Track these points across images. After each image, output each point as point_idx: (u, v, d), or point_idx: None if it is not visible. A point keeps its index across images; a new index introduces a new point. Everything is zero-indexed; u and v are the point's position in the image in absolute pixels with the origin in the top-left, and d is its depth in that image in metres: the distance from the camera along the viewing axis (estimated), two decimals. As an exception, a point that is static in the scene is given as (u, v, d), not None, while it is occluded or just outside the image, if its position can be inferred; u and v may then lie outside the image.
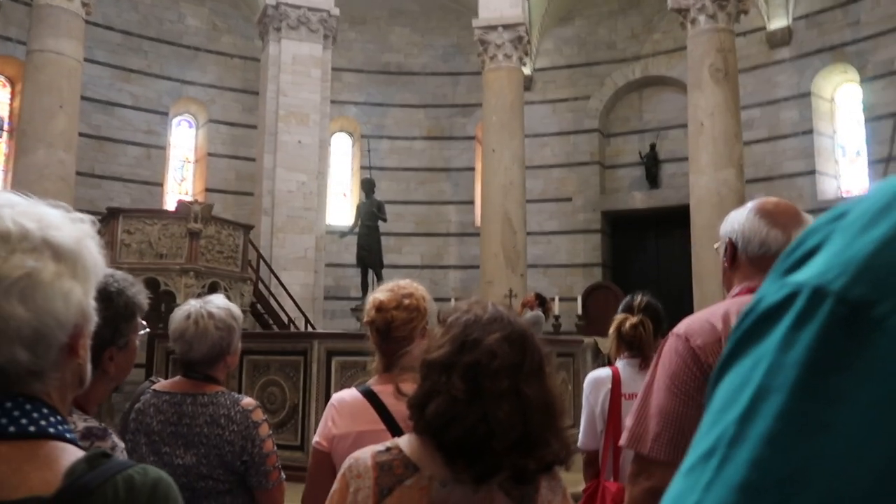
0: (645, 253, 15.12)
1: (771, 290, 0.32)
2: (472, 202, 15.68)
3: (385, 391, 1.79)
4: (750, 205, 1.73)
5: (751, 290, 1.55)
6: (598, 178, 15.34)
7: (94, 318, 0.91)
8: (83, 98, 11.23)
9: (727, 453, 0.30)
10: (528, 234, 12.82)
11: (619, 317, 2.62)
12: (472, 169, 15.79)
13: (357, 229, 11.24)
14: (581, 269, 14.98)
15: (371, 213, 11.08)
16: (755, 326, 0.32)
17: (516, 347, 1.25)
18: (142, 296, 1.58)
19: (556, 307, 10.06)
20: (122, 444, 1.45)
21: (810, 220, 1.61)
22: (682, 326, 1.50)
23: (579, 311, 11.05)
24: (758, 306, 0.32)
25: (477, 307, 1.33)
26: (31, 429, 0.80)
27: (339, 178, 15.93)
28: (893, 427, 0.27)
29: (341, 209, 15.32)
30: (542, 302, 9.39)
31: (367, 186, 11.41)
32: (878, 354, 0.28)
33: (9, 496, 0.75)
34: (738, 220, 1.70)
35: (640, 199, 14.96)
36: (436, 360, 1.29)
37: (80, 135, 11.14)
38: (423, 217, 15.81)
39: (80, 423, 1.42)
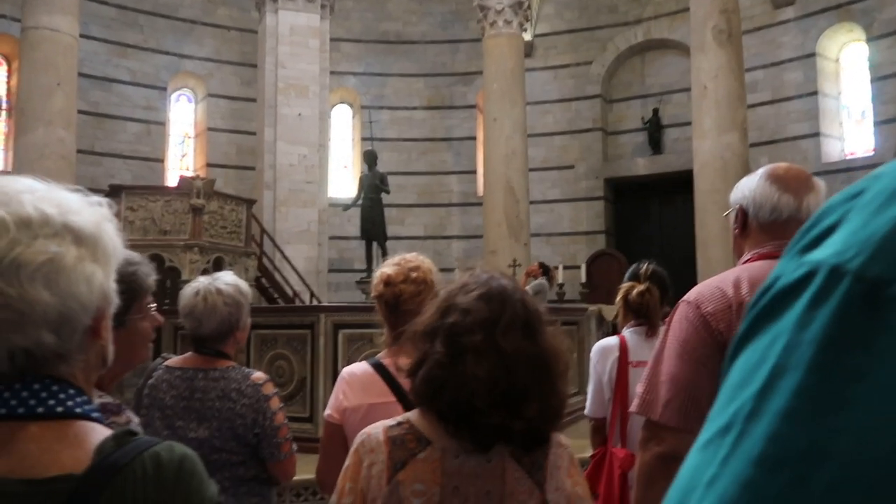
0: (648, 219, 15.09)
1: (788, 268, 0.32)
2: (474, 172, 15.62)
3: (394, 364, 1.81)
4: (761, 171, 1.73)
5: (762, 257, 1.55)
6: (600, 145, 15.24)
7: (115, 301, 0.92)
8: (80, 75, 11.12)
9: (744, 428, 0.30)
10: (531, 202, 12.79)
11: (625, 285, 2.63)
12: (474, 138, 15.69)
13: (360, 202, 11.22)
14: (584, 237, 14.97)
15: (374, 185, 11.04)
16: (772, 304, 0.32)
17: (494, 303, 1.26)
18: (142, 276, 1.54)
19: (560, 275, 10.08)
20: (136, 419, 1.48)
21: (821, 186, 1.61)
22: (693, 293, 1.51)
23: (583, 279, 11.08)
24: (775, 284, 0.32)
25: (467, 275, 1.35)
26: (59, 409, 0.81)
27: (340, 150, 15.87)
28: None
29: (343, 181, 15.28)
30: (545, 271, 9.42)
31: (370, 158, 11.35)
32: (895, 332, 0.28)
33: (41, 474, 0.77)
34: (749, 186, 1.70)
35: (642, 165, 14.88)
36: (421, 329, 1.31)
37: (79, 112, 11.07)
38: (426, 188, 15.76)
39: (95, 398, 1.45)
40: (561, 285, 10.13)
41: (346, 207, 11.52)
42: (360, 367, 1.98)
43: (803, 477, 0.28)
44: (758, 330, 0.32)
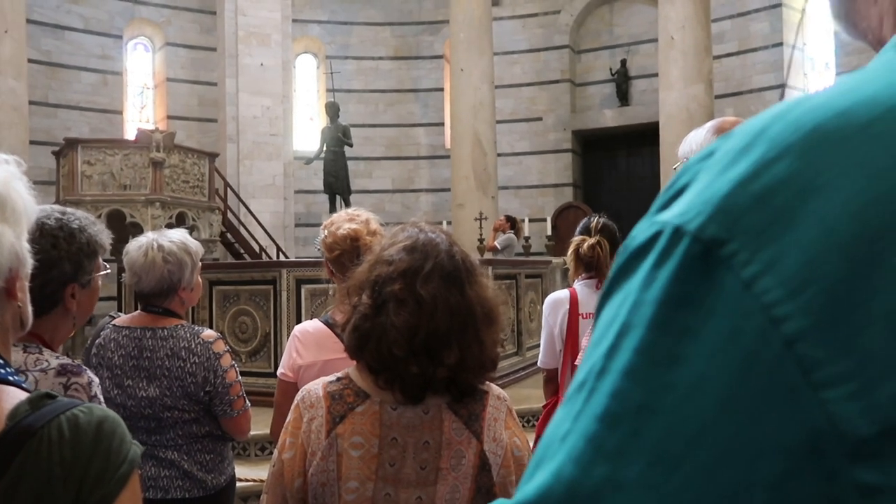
0: (616, 171, 15.17)
1: (642, 227, 0.33)
2: (442, 124, 15.46)
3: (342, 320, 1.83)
4: (709, 124, 1.74)
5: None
6: (568, 97, 15.16)
7: (29, 261, 0.90)
8: (29, 21, 10.63)
9: (594, 385, 0.32)
10: (499, 155, 12.73)
11: (576, 239, 2.67)
12: (442, 89, 15.48)
13: (322, 155, 11.05)
14: (552, 190, 15.02)
15: (336, 137, 10.86)
16: (627, 263, 0.33)
17: (417, 254, 1.27)
18: (104, 235, 1.56)
19: (527, 228, 10.13)
20: (97, 380, 1.48)
21: None
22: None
23: (549, 232, 11.15)
24: (630, 243, 0.34)
25: (399, 228, 1.36)
26: None
27: (305, 102, 15.55)
28: (733, 360, 0.28)
29: (309, 133, 15.03)
30: (513, 224, 9.46)
31: (332, 110, 11.13)
32: (723, 291, 0.29)
33: None
34: (697, 140, 1.72)
35: (610, 117, 14.87)
36: (352, 283, 1.33)
37: (30, 61, 10.62)
38: (393, 140, 15.59)
39: (52, 360, 1.44)
40: (527, 238, 10.19)
41: (308, 161, 11.36)
42: (313, 325, 2.00)
43: (637, 430, 0.29)
44: (615, 287, 0.34)
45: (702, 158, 0.34)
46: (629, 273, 0.33)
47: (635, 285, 0.32)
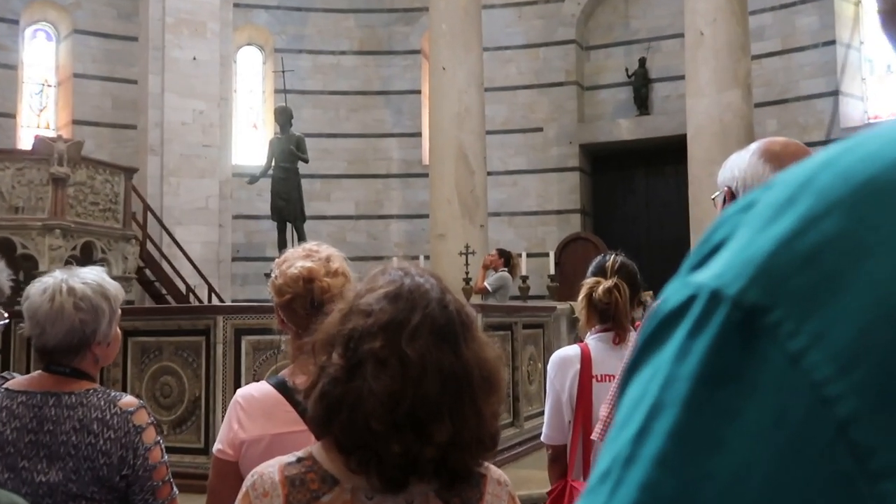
0: (633, 195, 15.37)
1: (673, 289, 0.36)
2: (418, 134, 15.62)
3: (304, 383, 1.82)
4: (753, 146, 1.80)
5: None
6: (575, 103, 15.41)
7: None
8: None
9: (621, 475, 0.33)
10: (490, 174, 12.87)
11: (589, 281, 2.70)
12: (419, 92, 15.68)
13: (271, 172, 11.09)
14: (555, 217, 15.15)
15: (288, 150, 10.89)
16: (657, 331, 0.35)
17: (402, 303, 1.27)
18: (2, 276, 1.55)
19: (524, 265, 10.18)
20: None
21: None
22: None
23: (551, 270, 11.21)
24: (661, 308, 0.36)
25: (379, 270, 1.37)
26: None
27: (248, 105, 15.65)
28: (780, 446, 0.30)
29: (253, 145, 15.09)
30: (507, 260, 9.49)
31: (283, 118, 11.19)
32: (768, 365, 0.31)
33: None
34: (739, 165, 1.77)
35: (626, 129, 15.11)
36: (319, 337, 1.33)
37: None
38: (358, 154, 15.69)
39: None
40: (525, 278, 10.23)
41: (253, 179, 11.36)
42: (259, 389, 1.99)
43: None
44: (643, 359, 0.36)
45: (741, 210, 0.36)
46: (660, 343, 0.35)
47: (667, 357, 0.34)
